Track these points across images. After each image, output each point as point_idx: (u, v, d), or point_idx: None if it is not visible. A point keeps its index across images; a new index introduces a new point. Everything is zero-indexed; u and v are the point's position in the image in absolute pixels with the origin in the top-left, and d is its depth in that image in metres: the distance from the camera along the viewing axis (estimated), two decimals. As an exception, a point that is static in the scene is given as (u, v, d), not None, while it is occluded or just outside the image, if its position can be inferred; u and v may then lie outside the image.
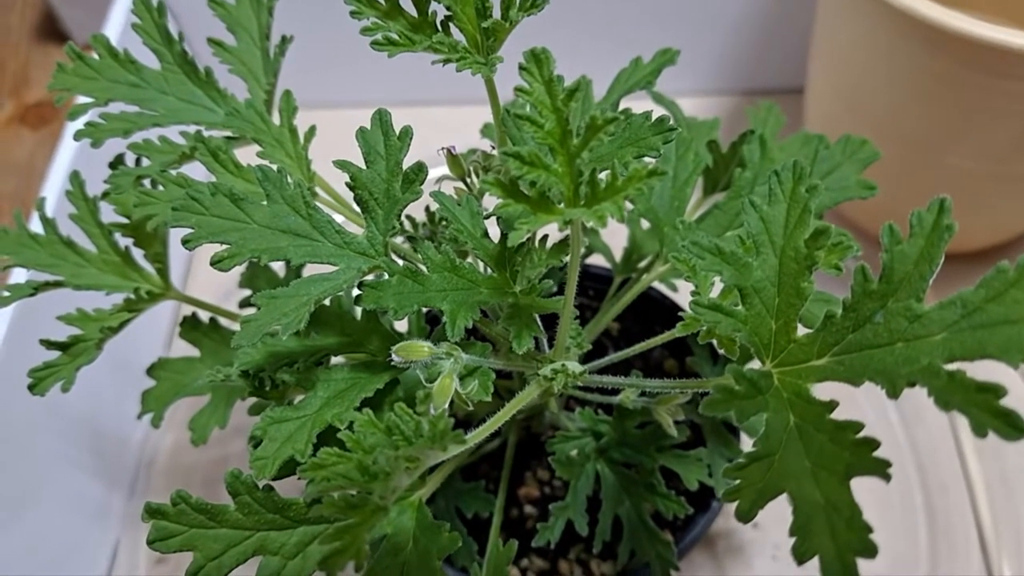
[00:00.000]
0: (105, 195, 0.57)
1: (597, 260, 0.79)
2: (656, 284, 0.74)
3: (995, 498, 0.88)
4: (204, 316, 0.66)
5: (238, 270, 0.73)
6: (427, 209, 0.60)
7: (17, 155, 1.30)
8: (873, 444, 0.33)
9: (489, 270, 0.50)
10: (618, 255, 0.74)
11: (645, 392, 0.58)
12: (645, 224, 0.74)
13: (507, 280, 0.50)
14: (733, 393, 0.36)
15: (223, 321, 0.65)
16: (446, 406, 0.42)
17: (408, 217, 0.57)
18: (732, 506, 0.91)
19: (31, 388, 0.58)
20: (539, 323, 0.49)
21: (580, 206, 0.39)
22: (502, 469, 0.67)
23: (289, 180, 0.47)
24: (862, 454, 0.33)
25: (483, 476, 0.69)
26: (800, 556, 0.33)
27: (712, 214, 0.58)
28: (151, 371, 0.64)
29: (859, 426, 0.34)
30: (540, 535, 0.59)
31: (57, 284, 0.60)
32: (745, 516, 0.34)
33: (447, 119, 1.04)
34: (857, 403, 0.96)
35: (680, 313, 0.48)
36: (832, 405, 0.36)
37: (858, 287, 0.37)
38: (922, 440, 0.93)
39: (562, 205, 0.40)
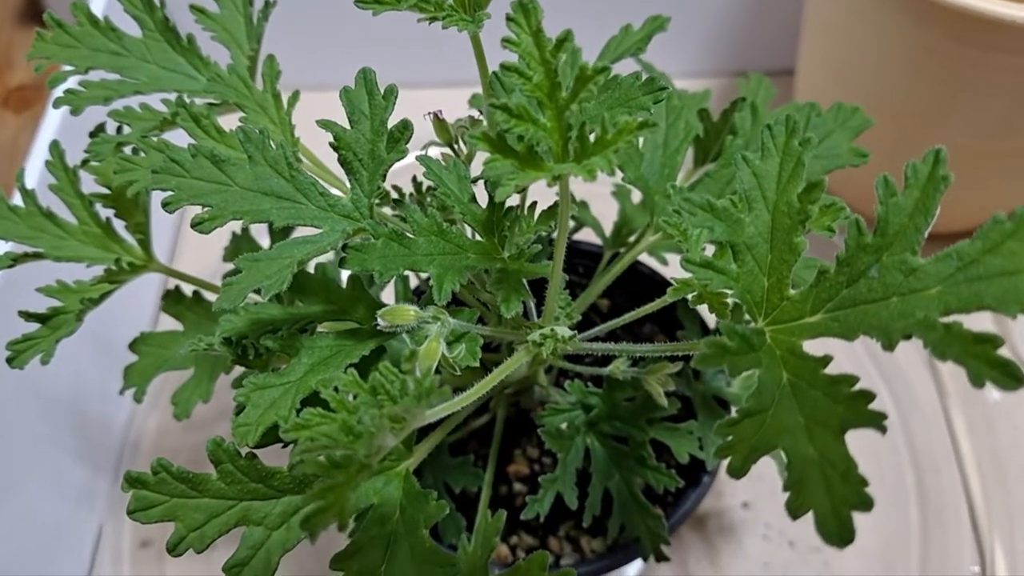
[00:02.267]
0: (85, 163, 0.56)
1: (587, 236, 0.79)
2: (646, 259, 0.73)
3: (986, 477, 0.87)
4: (188, 290, 0.65)
5: (224, 243, 0.72)
6: (414, 179, 0.59)
7: (0, 138, 1.29)
8: (868, 397, 0.32)
9: (477, 235, 0.49)
10: (608, 230, 0.73)
11: (635, 362, 0.57)
12: (636, 198, 0.73)
13: (495, 246, 0.49)
14: (725, 348, 0.35)
15: (207, 295, 0.64)
16: (432, 368, 0.41)
17: (395, 187, 0.56)
18: (723, 486, 0.90)
19: (10, 361, 0.57)
20: (528, 289, 0.48)
21: (569, 161, 0.38)
22: (491, 446, 0.66)
23: (272, 142, 0.46)
24: (857, 407, 0.33)
25: (472, 452, 0.68)
26: (794, 511, 0.32)
27: (703, 182, 0.57)
28: (133, 346, 0.63)
29: (854, 380, 0.33)
30: (529, 507, 0.58)
31: (37, 256, 0.58)
32: (738, 472, 0.33)
33: (435, 101, 1.04)
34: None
35: (671, 278, 0.47)
36: (826, 360, 0.35)
37: (852, 241, 0.37)
38: (914, 420, 0.93)
39: (551, 162, 0.39)
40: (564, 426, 0.59)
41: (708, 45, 1.17)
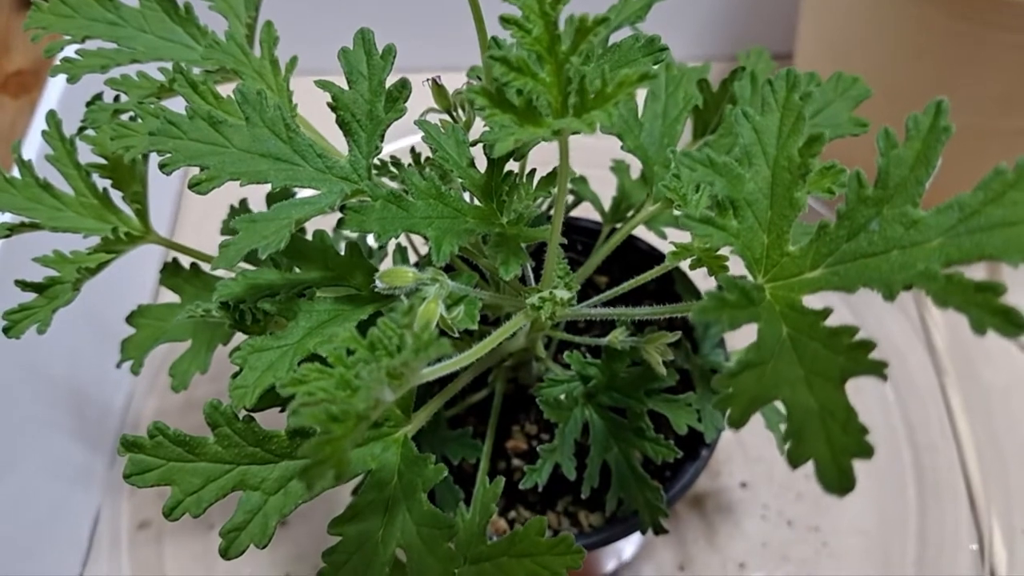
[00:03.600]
0: (82, 130, 0.56)
1: (585, 213, 0.79)
2: (644, 235, 0.73)
3: (984, 456, 0.87)
4: (186, 263, 0.65)
5: (223, 217, 0.72)
6: (412, 150, 0.59)
7: (-2, 122, 1.29)
8: (868, 346, 0.32)
9: (475, 200, 0.49)
10: (607, 206, 0.73)
11: (634, 331, 0.57)
12: (634, 174, 0.73)
13: (493, 211, 0.49)
14: (724, 301, 0.35)
15: (206, 267, 0.64)
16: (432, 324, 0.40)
17: (392, 157, 0.56)
18: (721, 466, 0.90)
19: (6, 331, 0.56)
20: (526, 253, 0.47)
21: (569, 116, 0.38)
22: (489, 421, 0.66)
23: (269, 104, 0.46)
24: (857, 357, 0.32)
25: (470, 427, 0.68)
26: (794, 461, 0.32)
27: (702, 151, 0.57)
28: (131, 319, 0.63)
29: (854, 330, 0.33)
30: (528, 477, 0.58)
31: (33, 226, 0.58)
32: (737, 423, 0.33)
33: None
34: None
35: (671, 242, 0.47)
36: (826, 313, 0.35)
37: (853, 194, 0.36)
38: (911, 400, 0.93)
39: (550, 118, 0.39)
40: (563, 397, 0.59)
41: (705, 28, 1.17)
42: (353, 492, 0.60)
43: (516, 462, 0.71)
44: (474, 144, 0.49)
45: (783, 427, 0.66)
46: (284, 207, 0.44)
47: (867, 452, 0.31)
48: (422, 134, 0.47)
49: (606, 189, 0.75)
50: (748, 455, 0.91)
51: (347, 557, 0.46)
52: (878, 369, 0.32)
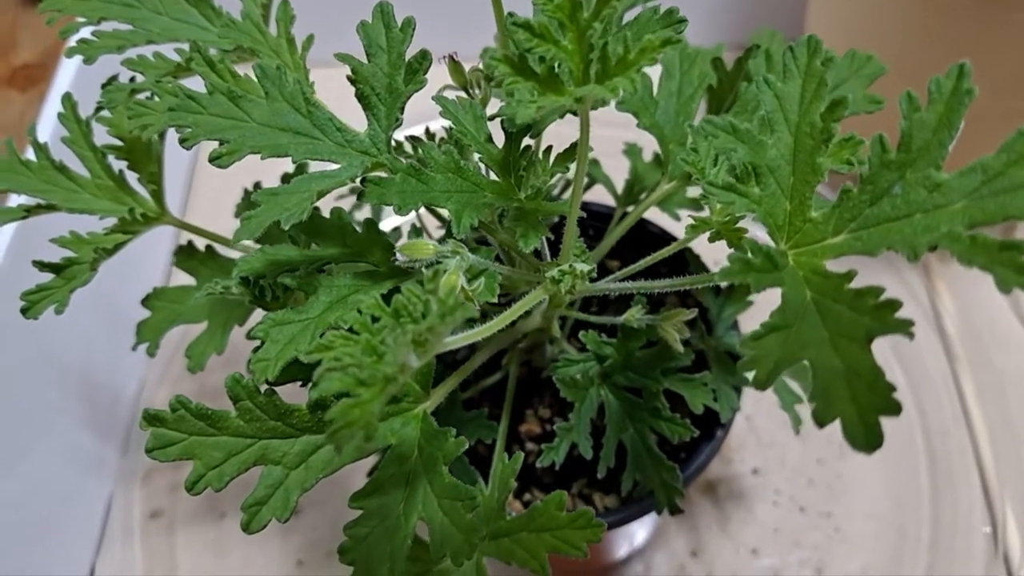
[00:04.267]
0: (98, 110, 0.56)
1: (598, 197, 0.79)
2: (659, 218, 0.73)
3: (997, 440, 0.87)
4: (201, 246, 0.65)
5: (237, 200, 0.72)
6: (427, 130, 0.59)
7: (6, 116, 1.29)
8: (895, 305, 0.32)
9: (493, 175, 0.49)
10: (620, 189, 0.73)
11: (650, 310, 0.57)
12: (647, 157, 0.73)
13: (512, 186, 0.49)
14: (749, 264, 0.35)
15: (221, 250, 0.64)
16: (455, 290, 0.41)
17: (408, 136, 0.56)
18: (733, 453, 0.90)
19: (24, 312, 0.57)
20: (545, 227, 0.48)
21: (591, 83, 0.38)
22: (503, 404, 0.66)
23: (288, 78, 0.46)
24: (883, 316, 0.32)
25: (485, 408, 0.68)
26: (821, 420, 0.32)
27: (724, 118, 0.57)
28: (146, 301, 0.63)
29: (879, 291, 0.33)
30: (545, 455, 0.58)
31: (50, 207, 0.58)
32: (762, 385, 0.33)
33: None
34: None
35: (689, 215, 0.47)
36: (850, 275, 0.35)
37: (875, 158, 0.36)
38: (923, 385, 0.93)
39: (571, 86, 0.39)
40: (578, 377, 0.59)
41: (715, 14, 1.17)
42: (369, 473, 0.60)
43: (530, 446, 0.71)
44: (491, 119, 0.49)
45: (798, 408, 0.67)
46: (305, 180, 0.44)
47: (895, 409, 0.31)
48: (434, 122, 0.47)
49: (618, 175, 0.75)
50: (760, 441, 0.91)
51: (369, 530, 0.46)
52: (904, 327, 0.32)
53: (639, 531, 0.81)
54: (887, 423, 0.88)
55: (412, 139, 0.50)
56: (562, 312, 0.61)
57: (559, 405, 0.72)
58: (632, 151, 0.71)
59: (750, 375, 0.33)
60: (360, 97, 0.46)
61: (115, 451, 0.95)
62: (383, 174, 0.45)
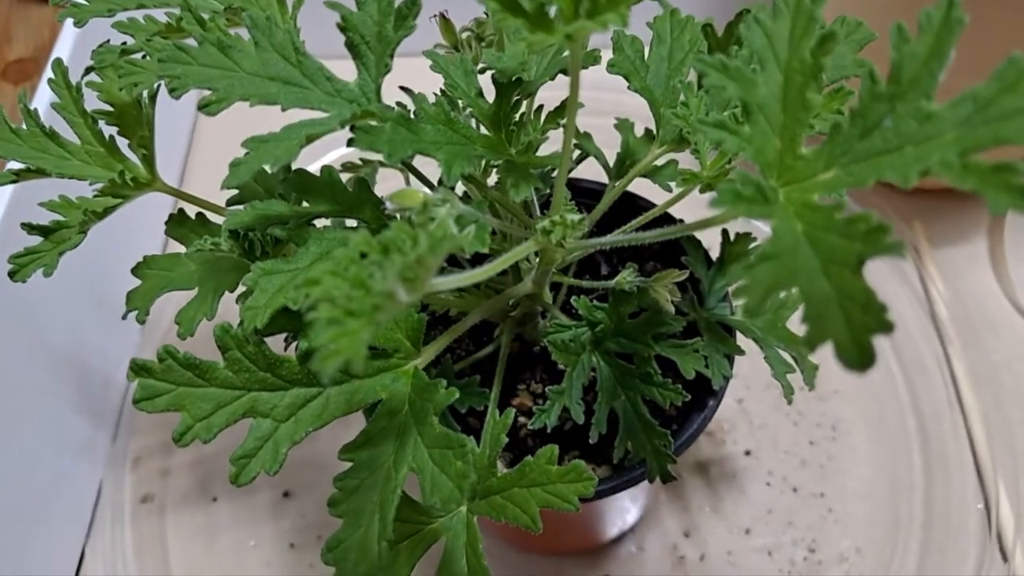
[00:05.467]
0: (89, 70, 0.56)
1: (588, 174, 0.79)
2: (652, 195, 0.73)
3: (990, 423, 0.87)
4: (193, 214, 0.64)
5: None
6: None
7: (-2, 108, 1.29)
8: (886, 229, 0.32)
9: (484, 130, 0.49)
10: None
11: (641, 271, 0.57)
12: (639, 131, 0.73)
13: (502, 141, 0.49)
14: (739, 194, 0.35)
15: (212, 217, 0.63)
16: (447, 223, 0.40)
17: (401, 87, 0.56)
18: (725, 435, 0.90)
19: (12, 275, 0.56)
20: (536, 178, 0.47)
21: (581, 19, 0.38)
22: (495, 377, 0.65)
23: (278, 28, 0.46)
24: (874, 240, 0.32)
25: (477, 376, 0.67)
26: (812, 343, 0.32)
27: (709, 94, 0.57)
28: (136, 270, 0.62)
29: (869, 216, 0.33)
30: (536, 418, 0.58)
31: (39, 171, 0.58)
32: (754, 311, 0.33)
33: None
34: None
35: (681, 168, 0.47)
36: (840, 206, 0.35)
37: (865, 92, 0.36)
38: (914, 368, 0.93)
39: (562, 24, 0.39)
40: (571, 341, 0.59)
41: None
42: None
43: (522, 419, 0.71)
44: (482, 73, 0.49)
45: (789, 377, 0.66)
46: (294, 127, 0.44)
47: (888, 327, 0.30)
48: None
49: (610, 147, 0.75)
50: (752, 423, 0.91)
51: (359, 481, 0.46)
52: (896, 249, 0.32)
53: (631, 508, 0.80)
54: (880, 408, 0.87)
55: (404, 89, 0.50)
56: (554, 278, 0.61)
57: (552, 380, 0.71)
58: (623, 125, 0.70)
59: (741, 301, 0.33)
60: (350, 47, 0.46)
61: (106, 435, 0.94)
62: (373, 123, 0.45)
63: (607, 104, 0.77)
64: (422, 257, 0.35)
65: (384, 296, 0.34)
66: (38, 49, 1.37)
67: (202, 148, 1.19)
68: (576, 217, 0.45)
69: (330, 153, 1.04)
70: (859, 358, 0.31)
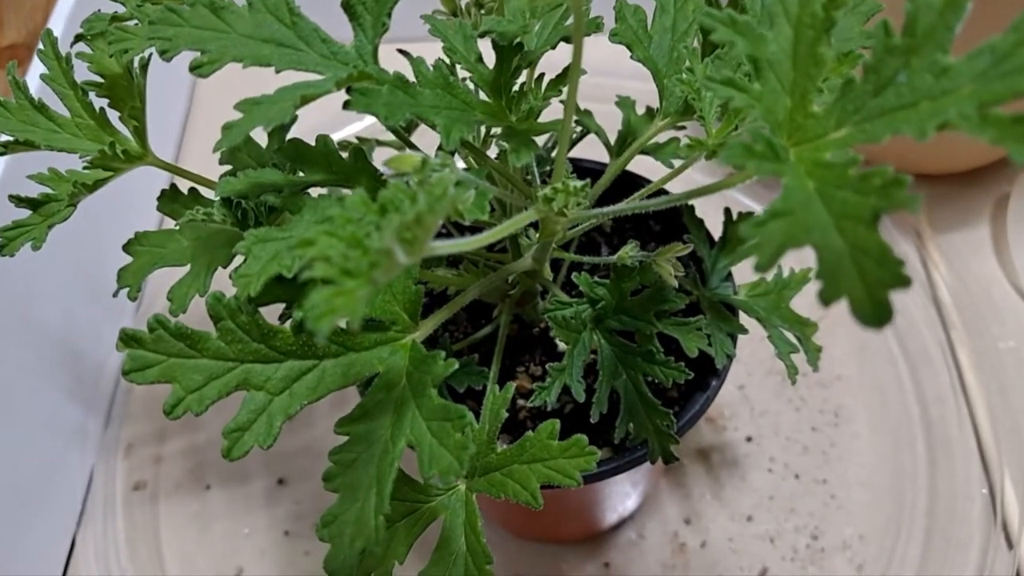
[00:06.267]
0: (79, 38, 0.54)
1: (588, 154, 0.77)
2: (652, 169, 0.72)
3: (994, 409, 0.86)
4: (186, 190, 0.63)
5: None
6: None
7: (-10, 94, 1.27)
8: (903, 181, 0.31)
9: (484, 96, 0.48)
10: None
11: (644, 246, 0.56)
12: (640, 110, 0.72)
13: (503, 108, 0.48)
14: (751, 149, 0.34)
15: (205, 192, 0.62)
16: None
17: (399, 49, 0.54)
18: (726, 421, 0.88)
19: (0, 248, 0.55)
20: (537, 144, 0.46)
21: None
22: (493, 359, 0.64)
23: (273, -11, 0.44)
24: (890, 194, 0.31)
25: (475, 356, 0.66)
26: (826, 300, 0.31)
27: (715, 60, 0.56)
28: (128, 247, 0.61)
29: (885, 171, 0.32)
30: (537, 395, 0.57)
31: (28, 144, 0.57)
32: (764, 268, 0.32)
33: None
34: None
35: (686, 135, 0.46)
36: (854, 160, 0.34)
37: (879, 45, 0.35)
38: (917, 356, 0.92)
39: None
40: (572, 318, 0.58)
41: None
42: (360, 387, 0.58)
43: (521, 402, 0.69)
44: (481, 36, 0.48)
45: (793, 356, 0.65)
46: (288, 89, 0.43)
47: (904, 282, 0.29)
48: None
49: (611, 123, 0.74)
50: (754, 410, 0.90)
51: (355, 455, 0.44)
52: (912, 203, 0.31)
53: (631, 494, 0.79)
54: (882, 394, 0.86)
55: (401, 52, 0.49)
56: (554, 254, 0.60)
57: (552, 362, 0.70)
58: (624, 103, 0.69)
59: (751, 260, 0.32)
60: (346, 7, 0.45)
61: (97, 423, 0.93)
62: (372, 82, 0.43)
63: (608, 90, 0.75)
64: (421, 215, 0.34)
65: (382, 254, 0.33)
66: (30, 35, 1.35)
67: (199, 126, 1.18)
68: (579, 183, 0.44)
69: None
70: (875, 314, 0.30)
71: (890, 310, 0.29)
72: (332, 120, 1.05)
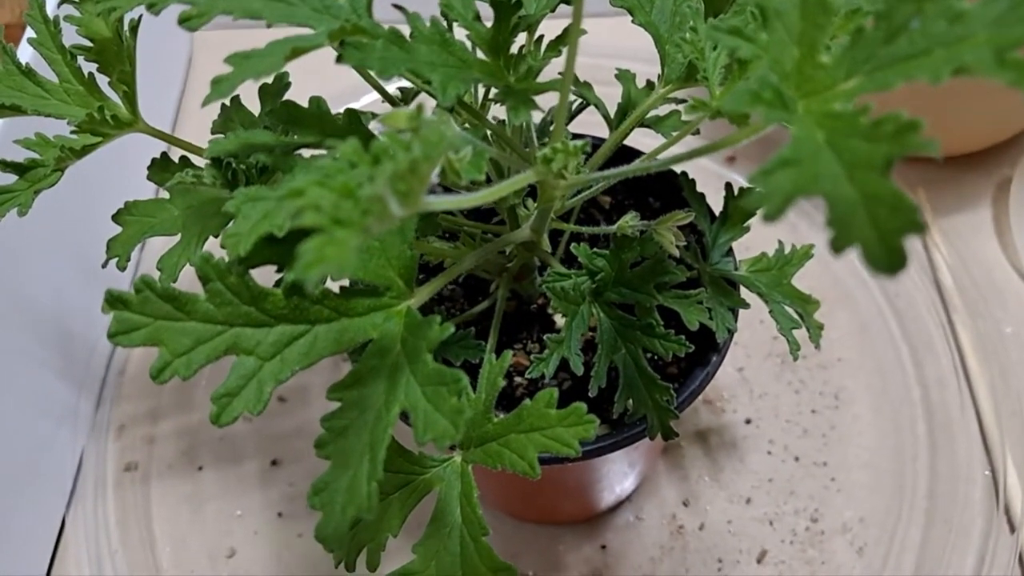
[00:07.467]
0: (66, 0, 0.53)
1: (587, 128, 0.76)
2: (651, 142, 0.71)
3: (996, 391, 0.85)
4: (177, 159, 0.62)
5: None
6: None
7: (-19, 74, 1.26)
8: (917, 125, 0.30)
9: (481, 55, 0.47)
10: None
11: (644, 215, 0.54)
12: (640, 82, 0.71)
13: (500, 68, 0.47)
14: (758, 96, 0.33)
15: (198, 162, 0.61)
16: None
17: (395, 4, 0.53)
18: (725, 404, 0.87)
19: (-15, 214, 0.54)
20: (535, 103, 0.45)
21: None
22: (490, 333, 0.63)
23: (264, -58, 0.43)
24: (904, 139, 0.30)
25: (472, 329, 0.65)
26: (838, 248, 0.29)
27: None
28: (117, 216, 0.60)
29: (898, 116, 0.31)
30: (534, 367, 0.56)
31: (14, 108, 0.56)
32: (773, 217, 0.31)
33: None
34: (853, 298, 0.94)
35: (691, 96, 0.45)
36: (865, 109, 0.33)
37: (892, -9, 0.34)
38: (918, 338, 0.91)
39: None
40: (570, 290, 0.56)
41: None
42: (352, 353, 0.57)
43: (518, 379, 0.68)
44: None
45: (796, 332, 0.64)
46: (279, 42, 0.41)
47: (919, 228, 0.28)
48: None
49: (611, 97, 0.73)
50: (753, 392, 0.89)
51: (348, 422, 0.43)
52: (930, 147, 0.29)
53: (629, 474, 0.78)
54: (883, 376, 0.85)
55: (397, 7, 0.48)
56: (552, 224, 0.59)
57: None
58: (624, 76, 0.68)
59: (760, 211, 0.31)
60: (340, -42, 0.44)
61: (89, 404, 0.91)
62: (366, 36, 0.42)
63: (607, 72, 0.74)
64: (415, 163, 0.33)
65: (374, 200, 0.31)
66: (23, 15, 1.34)
67: (195, 100, 1.16)
68: (578, 143, 0.43)
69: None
70: (889, 260, 0.28)
71: (905, 257, 0.28)
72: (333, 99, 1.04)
